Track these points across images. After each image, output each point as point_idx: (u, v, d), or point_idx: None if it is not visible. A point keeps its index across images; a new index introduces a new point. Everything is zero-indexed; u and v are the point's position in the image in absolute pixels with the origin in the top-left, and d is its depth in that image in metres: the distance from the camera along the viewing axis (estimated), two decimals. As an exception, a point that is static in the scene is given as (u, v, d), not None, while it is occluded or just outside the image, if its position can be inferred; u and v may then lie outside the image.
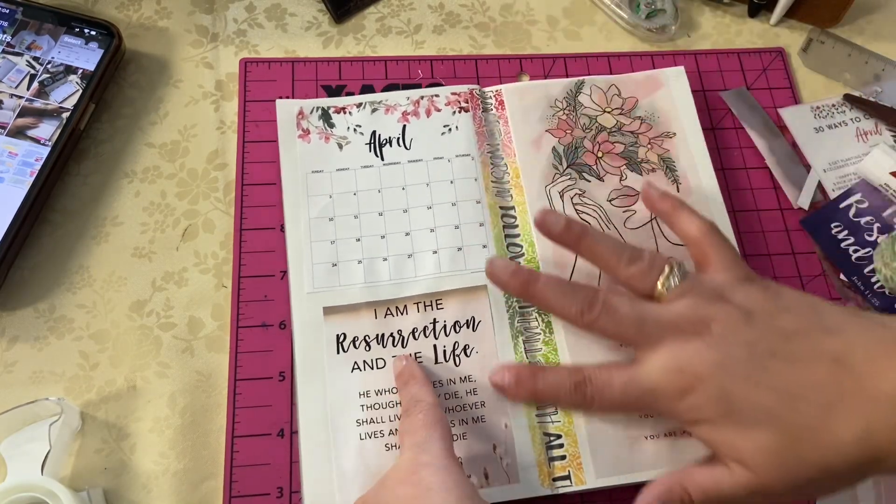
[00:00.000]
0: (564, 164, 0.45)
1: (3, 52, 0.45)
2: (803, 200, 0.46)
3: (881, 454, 0.30)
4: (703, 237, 0.37)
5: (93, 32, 0.46)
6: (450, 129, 0.45)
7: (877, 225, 0.45)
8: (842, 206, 0.46)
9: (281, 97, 0.46)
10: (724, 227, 0.43)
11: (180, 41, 0.49)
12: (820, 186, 0.47)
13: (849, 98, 0.49)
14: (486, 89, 0.47)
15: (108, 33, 0.46)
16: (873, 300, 0.43)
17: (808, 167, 0.47)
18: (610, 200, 0.44)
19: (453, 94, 0.46)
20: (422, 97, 0.46)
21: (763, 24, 0.53)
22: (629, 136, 0.46)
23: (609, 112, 0.47)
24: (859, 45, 0.50)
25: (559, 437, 0.38)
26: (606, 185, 0.44)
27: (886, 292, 0.43)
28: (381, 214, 0.43)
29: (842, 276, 0.44)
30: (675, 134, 0.46)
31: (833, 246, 0.45)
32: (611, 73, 0.49)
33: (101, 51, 0.46)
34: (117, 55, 0.46)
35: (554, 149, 0.45)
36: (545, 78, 0.49)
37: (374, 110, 0.46)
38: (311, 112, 0.45)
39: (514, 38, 0.51)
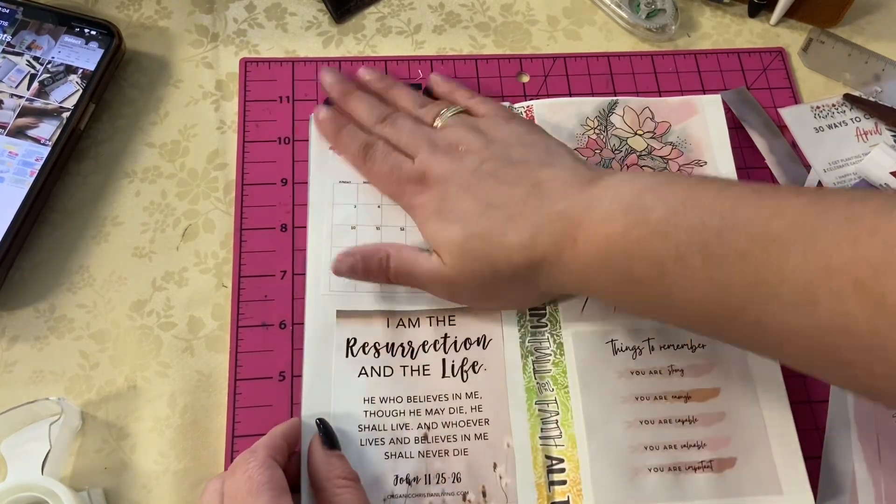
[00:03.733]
0: None
1: (4, 51, 0.45)
2: (803, 200, 0.46)
3: (538, 260, 0.36)
4: (472, 101, 0.44)
5: (93, 32, 0.46)
6: None
7: (877, 225, 0.45)
8: (842, 205, 0.46)
9: (281, 97, 0.47)
10: None
11: (180, 41, 0.49)
12: (820, 186, 0.47)
13: (849, 98, 0.49)
14: (517, 105, 0.47)
15: (108, 33, 0.46)
16: (873, 300, 0.43)
17: (808, 167, 0.47)
18: None
19: None
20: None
21: (763, 24, 0.53)
22: (659, 160, 0.45)
23: (640, 135, 0.46)
24: (859, 45, 0.50)
25: (561, 461, 0.38)
26: None
27: (886, 292, 0.43)
28: (402, 229, 0.43)
29: (842, 276, 0.44)
30: (705, 163, 0.45)
31: (833, 246, 0.45)
32: (610, 73, 0.49)
33: (101, 51, 0.46)
34: (117, 55, 0.46)
35: None
36: (545, 77, 0.49)
37: None
38: None
39: (514, 38, 0.51)
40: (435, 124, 0.42)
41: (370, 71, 0.46)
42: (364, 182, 0.44)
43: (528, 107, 0.46)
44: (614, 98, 0.47)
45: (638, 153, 0.46)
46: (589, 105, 0.47)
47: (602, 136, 0.46)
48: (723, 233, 0.31)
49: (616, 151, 0.45)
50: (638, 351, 0.41)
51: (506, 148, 0.39)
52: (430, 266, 0.39)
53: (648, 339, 0.41)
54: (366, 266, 0.40)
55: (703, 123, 0.47)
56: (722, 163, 0.45)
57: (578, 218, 0.35)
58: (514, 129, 0.41)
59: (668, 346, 0.41)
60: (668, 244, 0.32)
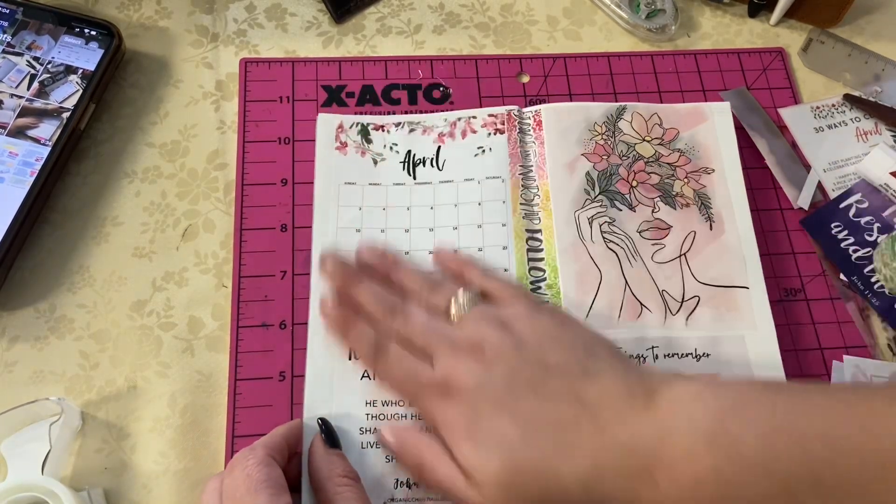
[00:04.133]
0: (597, 190, 0.44)
1: (4, 52, 0.45)
2: (803, 200, 0.46)
3: (604, 498, 0.31)
4: (488, 282, 0.39)
5: (93, 32, 0.46)
6: (483, 151, 0.45)
7: (877, 225, 0.45)
8: (842, 206, 0.46)
9: (281, 97, 0.47)
10: (755, 270, 0.42)
11: (180, 41, 0.49)
12: (820, 186, 0.47)
13: (849, 98, 0.49)
14: (526, 109, 0.46)
15: (108, 33, 0.46)
16: (873, 300, 0.43)
17: (808, 167, 0.47)
18: (640, 232, 0.43)
19: (490, 115, 0.46)
20: (459, 119, 0.46)
21: (763, 24, 0.53)
22: (666, 167, 0.45)
23: (648, 141, 0.46)
24: (859, 45, 0.50)
25: None
26: (637, 216, 0.44)
27: (886, 292, 0.43)
28: (407, 231, 0.43)
29: (842, 276, 0.44)
30: (713, 170, 0.45)
31: (833, 246, 0.45)
32: (610, 73, 0.49)
33: (102, 51, 0.46)
34: (117, 55, 0.46)
35: (588, 173, 0.44)
36: (545, 78, 0.49)
37: (411, 130, 0.46)
38: (351, 127, 0.45)
39: (514, 38, 0.51)
40: (451, 313, 0.37)
41: (369, 249, 0.41)
42: (370, 184, 0.44)
43: (536, 111, 0.46)
44: (623, 103, 0.47)
45: (645, 160, 0.45)
46: (597, 110, 0.46)
47: (610, 142, 0.46)
48: (833, 463, 0.28)
49: (624, 157, 0.45)
50: (642, 359, 0.40)
51: (540, 352, 0.34)
52: (468, 494, 0.33)
53: (653, 348, 0.41)
54: (398, 457, 0.36)
55: (711, 131, 0.46)
56: (730, 171, 0.45)
57: (651, 453, 0.31)
58: (544, 325, 0.36)
59: (673, 355, 0.41)
60: (771, 481, 0.29)
